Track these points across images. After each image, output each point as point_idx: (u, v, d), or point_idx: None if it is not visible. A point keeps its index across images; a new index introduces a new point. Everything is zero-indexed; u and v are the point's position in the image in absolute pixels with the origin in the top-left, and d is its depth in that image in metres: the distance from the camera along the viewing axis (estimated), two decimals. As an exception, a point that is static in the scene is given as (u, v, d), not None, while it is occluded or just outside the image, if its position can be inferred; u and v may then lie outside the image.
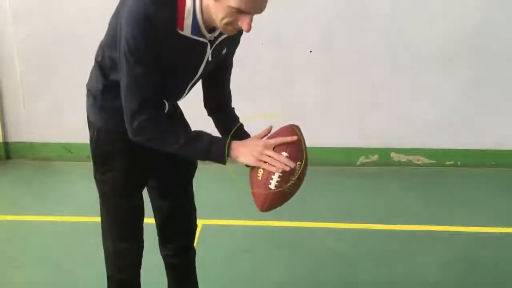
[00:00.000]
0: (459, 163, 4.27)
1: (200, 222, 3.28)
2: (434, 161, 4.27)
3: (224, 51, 1.77)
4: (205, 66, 1.71)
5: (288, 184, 1.61)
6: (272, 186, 1.61)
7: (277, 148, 1.60)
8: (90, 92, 1.86)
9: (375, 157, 4.29)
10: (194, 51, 1.64)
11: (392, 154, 4.28)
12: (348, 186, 3.90)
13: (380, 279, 2.71)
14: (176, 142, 1.62)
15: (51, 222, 3.32)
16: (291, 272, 2.78)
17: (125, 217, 1.90)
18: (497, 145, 4.23)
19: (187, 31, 1.56)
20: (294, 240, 3.11)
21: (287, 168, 1.58)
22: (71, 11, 4.07)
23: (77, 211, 3.44)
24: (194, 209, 2.16)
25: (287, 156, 1.59)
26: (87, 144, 4.35)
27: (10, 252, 3.00)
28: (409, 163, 4.29)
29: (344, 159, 4.29)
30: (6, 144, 4.43)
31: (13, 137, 4.44)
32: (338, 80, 4.13)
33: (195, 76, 1.74)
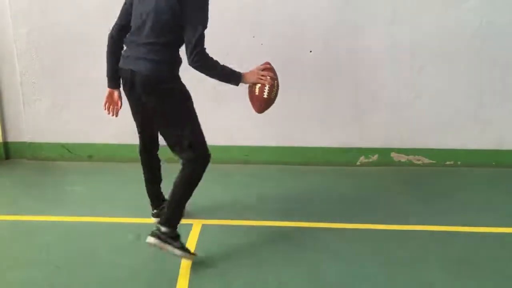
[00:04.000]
0: (459, 163, 4.27)
1: (200, 222, 3.30)
2: (434, 161, 4.28)
3: None
4: None
5: (272, 94, 2.81)
6: (265, 95, 2.80)
7: (265, 71, 2.82)
8: (160, 63, 2.69)
9: (375, 157, 4.29)
10: None
11: (392, 154, 4.28)
12: (348, 186, 3.90)
13: (380, 279, 2.71)
14: (216, 67, 2.69)
15: (51, 222, 3.32)
16: (291, 271, 2.77)
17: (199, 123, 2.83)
18: (497, 145, 4.23)
19: None
20: (294, 240, 3.11)
21: (273, 81, 2.80)
22: (70, 11, 4.08)
23: (77, 211, 3.44)
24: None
25: (270, 77, 2.81)
26: (87, 144, 4.41)
27: (10, 252, 3.00)
28: (409, 163, 4.29)
29: (344, 159, 4.29)
30: (5, 144, 4.44)
31: (13, 137, 4.44)
32: (338, 80, 4.13)
33: None
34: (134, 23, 2.79)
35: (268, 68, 2.84)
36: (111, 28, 2.91)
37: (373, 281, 2.70)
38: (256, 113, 2.87)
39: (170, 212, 2.77)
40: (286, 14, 3.98)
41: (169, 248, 2.72)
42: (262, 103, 2.81)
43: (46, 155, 4.41)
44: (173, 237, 2.74)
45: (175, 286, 2.64)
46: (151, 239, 2.71)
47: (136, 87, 2.76)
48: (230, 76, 2.74)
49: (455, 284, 2.69)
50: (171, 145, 2.82)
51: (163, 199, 3.32)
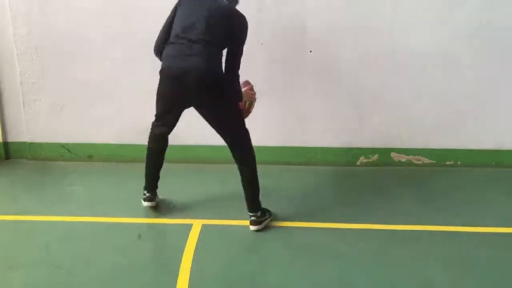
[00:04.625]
0: (459, 163, 4.27)
1: (200, 222, 3.29)
2: (434, 161, 4.27)
3: None
4: None
5: (253, 108, 3.31)
6: (251, 109, 3.29)
7: (251, 90, 3.25)
8: (214, 60, 2.92)
9: (375, 157, 4.29)
10: None
11: (392, 154, 4.28)
12: (348, 186, 3.90)
13: (380, 279, 2.71)
14: (238, 81, 3.06)
15: (51, 222, 3.32)
16: (291, 271, 2.78)
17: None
18: (497, 145, 4.23)
19: None
20: (294, 240, 3.11)
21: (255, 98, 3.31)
22: (71, 11, 4.08)
23: (76, 211, 3.44)
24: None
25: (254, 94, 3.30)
26: (87, 144, 4.42)
27: (10, 252, 3.00)
28: (409, 163, 4.29)
29: (344, 159, 4.29)
30: (5, 144, 4.43)
31: (13, 137, 4.44)
32: (338, 80, 4.13)
33: None
34: (180, 24, 2.93)
35: (251, 87, 3.27)
36: (154, 45, 3.10)
37: (373, 281, 2.70)
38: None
39: (253, 204, 3.22)
40: (286, 14, 3.98)
41: (265, 223, 3.23)
42: (247, 115, 3.27)
43: (46, 155, 4.41)
44: (263, 215, 3.24)
45: (175, 286, 2.64)
46: (253, 227, 3.19)
47: (187, 84, 2.85)
48: (240, 92, 3.10)
49: (455, 284, 2.69)
50: (225, 136, 3.12)
51: (157, 185, 3.40)
